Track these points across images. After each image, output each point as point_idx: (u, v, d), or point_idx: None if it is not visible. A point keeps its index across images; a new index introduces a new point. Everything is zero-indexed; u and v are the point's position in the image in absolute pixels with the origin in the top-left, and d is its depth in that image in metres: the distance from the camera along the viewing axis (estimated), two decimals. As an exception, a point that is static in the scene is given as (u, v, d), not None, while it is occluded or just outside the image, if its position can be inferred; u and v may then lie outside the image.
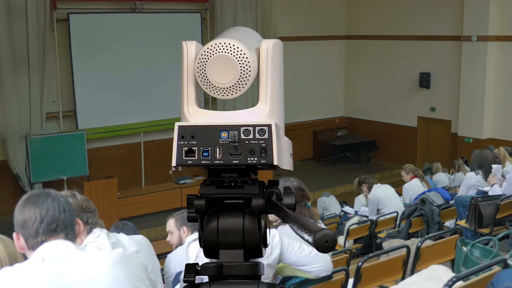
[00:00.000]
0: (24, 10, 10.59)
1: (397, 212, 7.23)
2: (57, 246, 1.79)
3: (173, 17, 12.82)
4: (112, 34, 12.07)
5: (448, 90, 13.89)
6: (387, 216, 7.27)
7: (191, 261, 2.64)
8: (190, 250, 2.72)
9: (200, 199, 0.85)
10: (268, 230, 0.91)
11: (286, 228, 2.80)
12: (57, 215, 1.82)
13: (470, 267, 3.72)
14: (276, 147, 0.82)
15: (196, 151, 0.83)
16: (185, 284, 0.87)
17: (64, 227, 1.84)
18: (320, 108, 15.68)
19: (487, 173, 6.94)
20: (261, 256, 0.88)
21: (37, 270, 1.71)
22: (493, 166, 7.02)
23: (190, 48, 0.86)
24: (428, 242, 4.51)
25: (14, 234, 1.86)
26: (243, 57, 0.83)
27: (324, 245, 0.67)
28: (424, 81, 14.22)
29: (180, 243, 3.71)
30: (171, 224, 3.85)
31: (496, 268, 3.40)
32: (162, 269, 3.39)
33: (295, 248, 2.82)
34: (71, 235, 1.87)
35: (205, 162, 0.83)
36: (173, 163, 0.83)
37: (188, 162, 0.83)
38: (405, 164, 8.58)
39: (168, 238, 3.90)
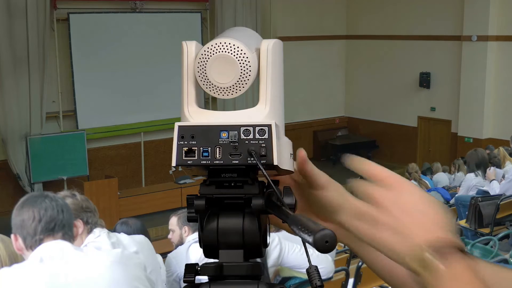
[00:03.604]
0: (24, 10, 10.59)
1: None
2: (55, 247, 1.79)
3: (173, 17, 12.82)
4: (112, 34, 12.07)
5: (448, 90, 13.88)
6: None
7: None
8: (190, 252, 2.71)
9: (200, 199, 0.84)
10: (268, 230, 0.91)
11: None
12: (55, 214, 1.83)
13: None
14: (276, 147, 0.81)
15: (196, 151, 0.83)
16: (185, 284, 0.87)
17: (62, 227, 1.85)
18: (320, 108, 15.67)
19: (486, 171, 6.94)
20: (261, 256, 0.88)
21: (36, 271, 1.71)
22: (492, 168, 7.03)
23: (190, 48, 0.86)
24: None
25: (12, 236, 1.87)
26: (243, 57, 0.83)
27: (324, 245, 0.67)
28: (424, 81, 14.22)
29: (181, 242, 3.72)
30: (173, 222, 3.86)
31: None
32: (162, 269, 3.39)
33: (296, 251, 2.80)
34: (69, 235, 1.88)
35: (205, 162, 0.82)
36: (173, 163, 0.83)
37: (188, 162, 0.83)
38: (409, 164, 8.62)
39: (169, 236, 3.92)
